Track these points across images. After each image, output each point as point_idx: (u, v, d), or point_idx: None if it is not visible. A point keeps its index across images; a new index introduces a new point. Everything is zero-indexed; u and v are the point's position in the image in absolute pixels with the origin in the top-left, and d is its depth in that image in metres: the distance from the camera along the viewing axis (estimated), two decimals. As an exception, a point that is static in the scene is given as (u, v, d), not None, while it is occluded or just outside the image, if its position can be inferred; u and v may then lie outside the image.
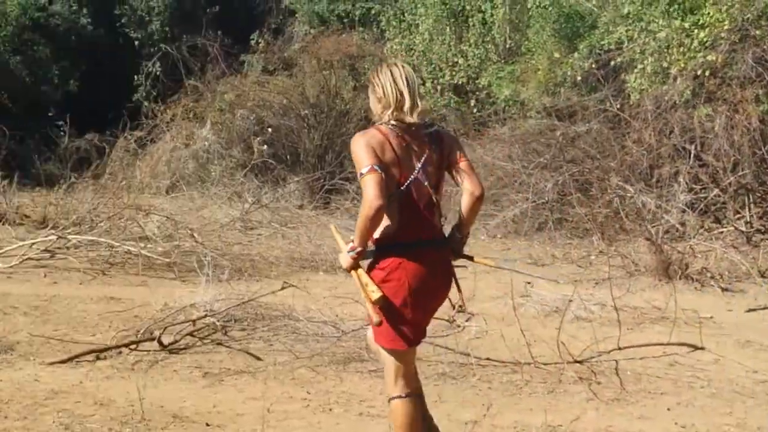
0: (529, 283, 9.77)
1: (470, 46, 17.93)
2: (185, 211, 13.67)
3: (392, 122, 4.34)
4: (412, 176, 4.31)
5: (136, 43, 21.07)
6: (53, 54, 19.89)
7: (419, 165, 4.33)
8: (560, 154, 14.03)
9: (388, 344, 4.37)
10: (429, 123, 4.54)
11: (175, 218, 12.25)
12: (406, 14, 19.22)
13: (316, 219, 13.70)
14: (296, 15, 21.29)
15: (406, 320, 4.32)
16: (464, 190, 4.43)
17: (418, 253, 4.31)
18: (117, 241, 11.18)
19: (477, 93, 17.65)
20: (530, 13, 17.02)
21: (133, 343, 7.21)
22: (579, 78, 15.15)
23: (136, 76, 20.75)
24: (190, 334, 7.51)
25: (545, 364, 6.89)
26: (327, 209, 15.25)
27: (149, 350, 7.12)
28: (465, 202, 4.43)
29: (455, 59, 17.97)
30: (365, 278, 4.29)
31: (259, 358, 7.01)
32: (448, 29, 18.27)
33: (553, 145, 14.17)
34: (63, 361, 6.79)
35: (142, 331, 7.48)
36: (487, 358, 7.11)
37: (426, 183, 4.35)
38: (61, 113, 18.76)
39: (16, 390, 6.11)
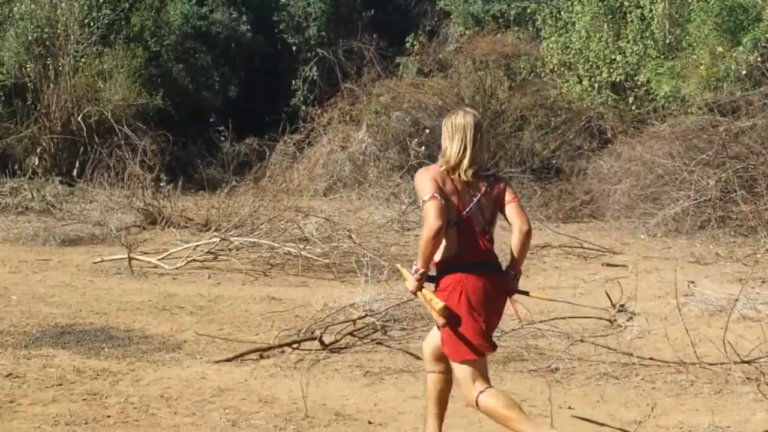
0: (692, 282, 9.47)
1: (628, 42, 17.51)
2: (343, 212, 13.83)
3: (448, 166, 4.77)
4: (469, 207, 4.74)
5: (294, 48, 21.45)
6: (214, 61, 20.44)
7: (476, 198, 4.77)
8: (723, 150, 13.54)
9: (459, 357, 4.71)
10: (485, 169, 4.94)
11: (333, 220, 12.38)
12: (562, 12, 18.90)
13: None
14: (451, 16, 21.28)
15: (470, 330, 4.65)
16: (513, 226, 4.82)
17: (475, 271, 4.70)
18: (277, 243, 11.38)
19: (635, 90, 17.23)
20: (691, 7, 16.51)
21: (295, 342, 7.31)
22: (743, 72, 14.63)
23: (293, 81, 21.14)
24: (351, 333, 7.57)
25: (711, 365, 6.69)
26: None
27: (311, 349, 7.21)
28: (515, 238, 4.81)
29: (613, 56, 17.59)
30: (429, 295, 4.71)
31: (418, 358, 6.97)
32: (605, 26, 17.89)
33: (715, 141, 13.69)
34: (228, 360, 6.95)
35: (303, 331, 7.59)
36: (651, 358, 6.95)
37: (481, 215, 4.78)
38: (222, 119, 19.24)
39: (184, 387, 6.28)
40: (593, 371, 6.64)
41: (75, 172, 16.73)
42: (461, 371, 4.72)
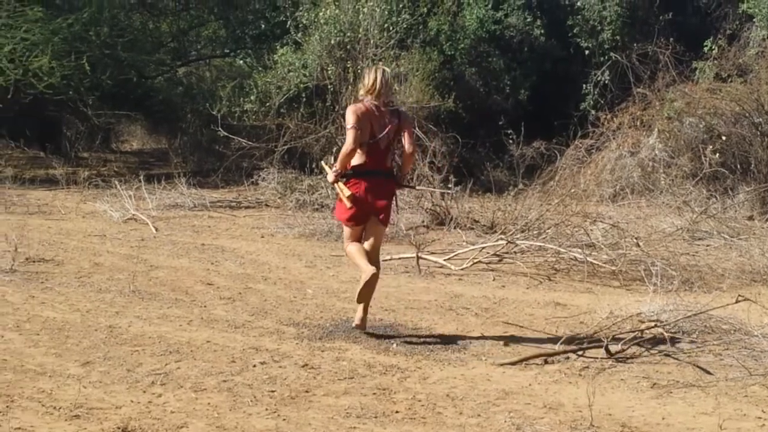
0: None
1: None
2: (630, 219, 13.53)
3: (372, 101, 7.53)
4: (380, 134, 7.50)
5: (586, 52, 21.20)
6: (506, 65, 20.54)
7: (386, 127, 7.51)
8: None
9: (344, 219, 7.77)
10: (393, 105, 7.81)
11: (621, 226, 12.16)
12: None
13: (768, 231, 13.02)
14: (754, 20, 20.31)
15: (359, 209, 7.57)
16: (404, 148, 7.64)
17: (374, 176, 7.59)
18: (563, 248, 11.32)
19: None
20: None
21: (580, 349, 7.26)
22: None
23: (584, 85, 20.90)
24: (637, 343, 7.43)
25: None
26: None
27: (596, 357, 7.14)
28: (404, 156, 7.73)
29: None
30: (342, 186, 7.54)
31: (709, 372, 6.78)
32: None
33: None
34: (513, 363, 7.00)
35: (588, 338, 7.52)
36: None
37: (387, 138, 7.54)
38: (511, 122, 19.32)
39: (469, 387, 6.38)
40: None
41: (366, 172, 17.29)
42: (346, 230, 7.80)
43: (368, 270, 7.43)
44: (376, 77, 7.49)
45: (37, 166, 20.75)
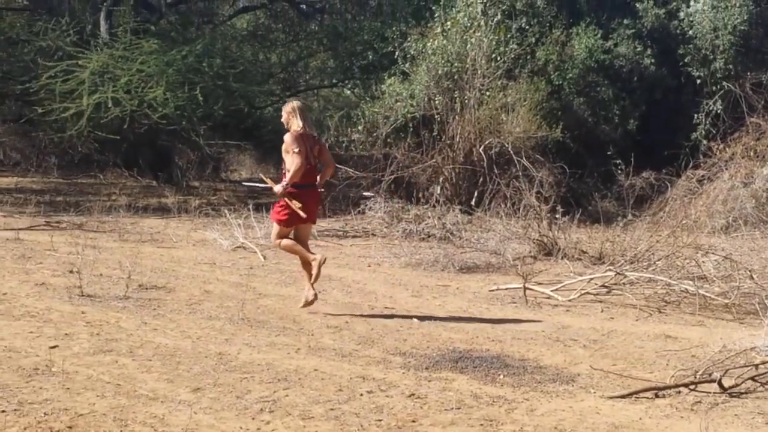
0: None
1: None
2: (744, 251, 13.21)
3: (301, 131, 9.54)
4: (310, 154, 9.53)
5: (698, 81, 20.83)
6: (615, 94, 20.32)
7: (312, 149, 9.59)
8: None
9: (282, 222, 9.65)
10: (313, 134, 9.79)
11: (734, 258, 11.88)
12: None
13: None
14: None
15: (297, 215, 9.49)
16: (325, 166, 9.93)
17: (307, 187, 9.56)
18: (674, 280, 11.11)
19: None
20: None
21: (692, 383, 7.09)
22: None
23: (695, 115, 20.53)
24: (752, 378, 7.22)
25: None
26: None
27: (708, 392, 6.95)
28: (324, 172, 9.93)
29: None
30: (291, 198, 9.43)
31: (827, 412, 6.55)
32: None
33: None
34: (623, 396, 6.87)
35: (700, 372, 7.34)
36: None
37: (313, 158, 9.60)
38: (619, 152, 19.12)
39: (578, 420, 6.29)
40: None
41: (473, 202, 17.33)
42: (275, 229, 9.77)
43: (318, 256, 9.68)
44: (301, 112, 9.64)
45: (150, 195, 21.29)
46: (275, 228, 9.78)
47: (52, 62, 20.65)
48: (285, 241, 9.73)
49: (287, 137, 9.50)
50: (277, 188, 9.53)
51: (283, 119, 9.80)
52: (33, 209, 17.58)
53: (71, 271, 10.97)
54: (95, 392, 6.52)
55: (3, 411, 5.99)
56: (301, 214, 9.42)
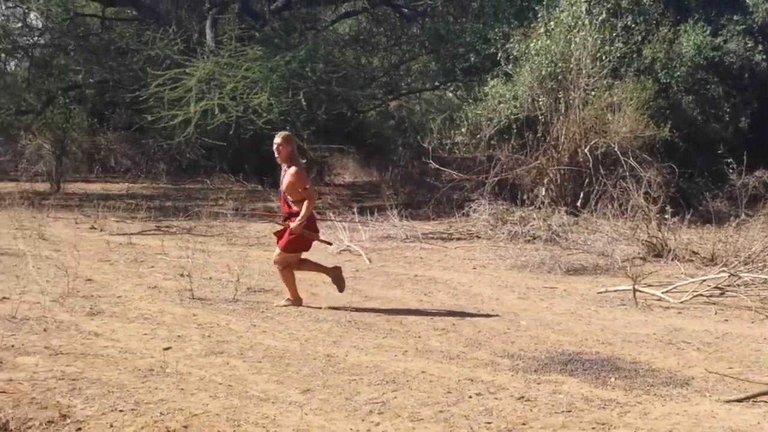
0: None
1: None
2: None
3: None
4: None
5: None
6: (725, 92, 19.80)
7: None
8: None
9: (294, 251, 9.88)
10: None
11: None
12: None
13: None
14: None
15: (307, 241, 9.94)
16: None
17: (312, 221, 10.00)
18: (791, 281, 10.79)
19: None
20: None
21: (813, 387, 6.86)
22: None
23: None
24: None
25: None
26: None
27: (831, 397, 6.72)
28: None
29: None
30: (305, 231, 9.73)
31: None
32: None
33: None
34: (740, 400, 6.67)
35: (822, 377, 7.10)
36: None
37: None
38: (731, 150, 18.63)
39: (693, 424, 6.13)
40: None
41: (579, 203, 17.09)
42: (288, 256, 9.86)
43: (333, 266, 10.42)
44: (294, 142, 9.97)
45: (256, 199, 21.55)
46: (288, 257, 9.92)
47: (160, 71, 21.09)
48: (299, 264, 10.10)
49: (297, 172, 9.69)
50: (294, 226, 9.68)
51: (281, 152, 9.80)
52: (144, 214, 17.96)
53: (182, 275, 11.18)
54: (208, 393, 6.60)
55: (121, 411, 6.12)
56: (320, 240, 10.24)
